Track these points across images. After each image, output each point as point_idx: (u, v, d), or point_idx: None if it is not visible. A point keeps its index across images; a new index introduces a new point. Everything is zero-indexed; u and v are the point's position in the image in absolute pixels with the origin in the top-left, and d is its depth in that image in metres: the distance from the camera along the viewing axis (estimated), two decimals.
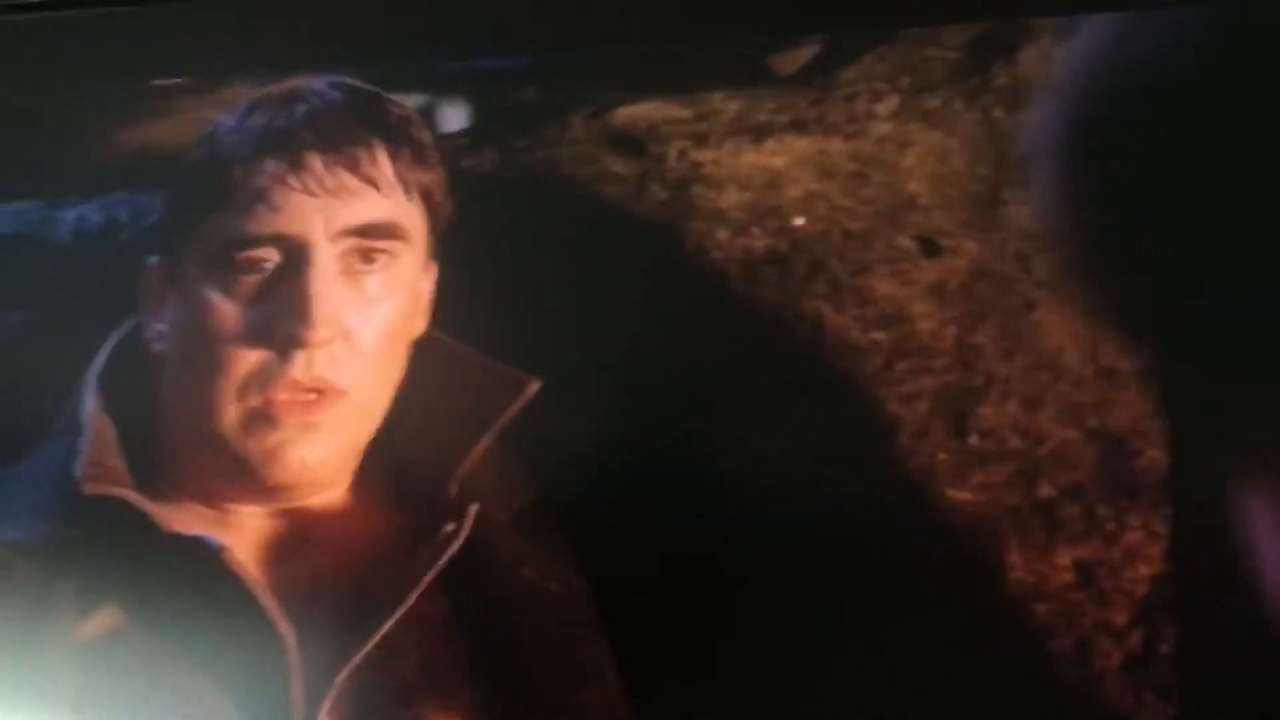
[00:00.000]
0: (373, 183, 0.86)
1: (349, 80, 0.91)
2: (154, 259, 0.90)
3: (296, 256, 0.84)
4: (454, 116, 1.26)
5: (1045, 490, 1.21)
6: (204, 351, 0.85)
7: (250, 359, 0.84)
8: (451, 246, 0.92)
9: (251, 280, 0.85)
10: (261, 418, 0.84)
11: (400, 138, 0.88)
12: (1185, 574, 1.16)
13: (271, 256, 0.85)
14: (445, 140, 1.26)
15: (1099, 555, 1.20)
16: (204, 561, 0.82)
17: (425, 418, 0.90)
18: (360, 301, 0.86)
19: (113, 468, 0.85)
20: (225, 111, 0.89)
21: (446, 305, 0.93)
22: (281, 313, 0.84)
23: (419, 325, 0.91)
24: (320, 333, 0.83)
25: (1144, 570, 1.20)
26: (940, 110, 1.28)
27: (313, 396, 0.84)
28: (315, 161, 0.85)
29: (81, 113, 1.12)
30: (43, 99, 1.05)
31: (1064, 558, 1.20)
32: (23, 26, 0.95)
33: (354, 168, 0.85)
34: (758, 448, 1.14)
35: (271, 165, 0.85)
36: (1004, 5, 1.13)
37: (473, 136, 1.30)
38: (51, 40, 0.91)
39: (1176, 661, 1.16)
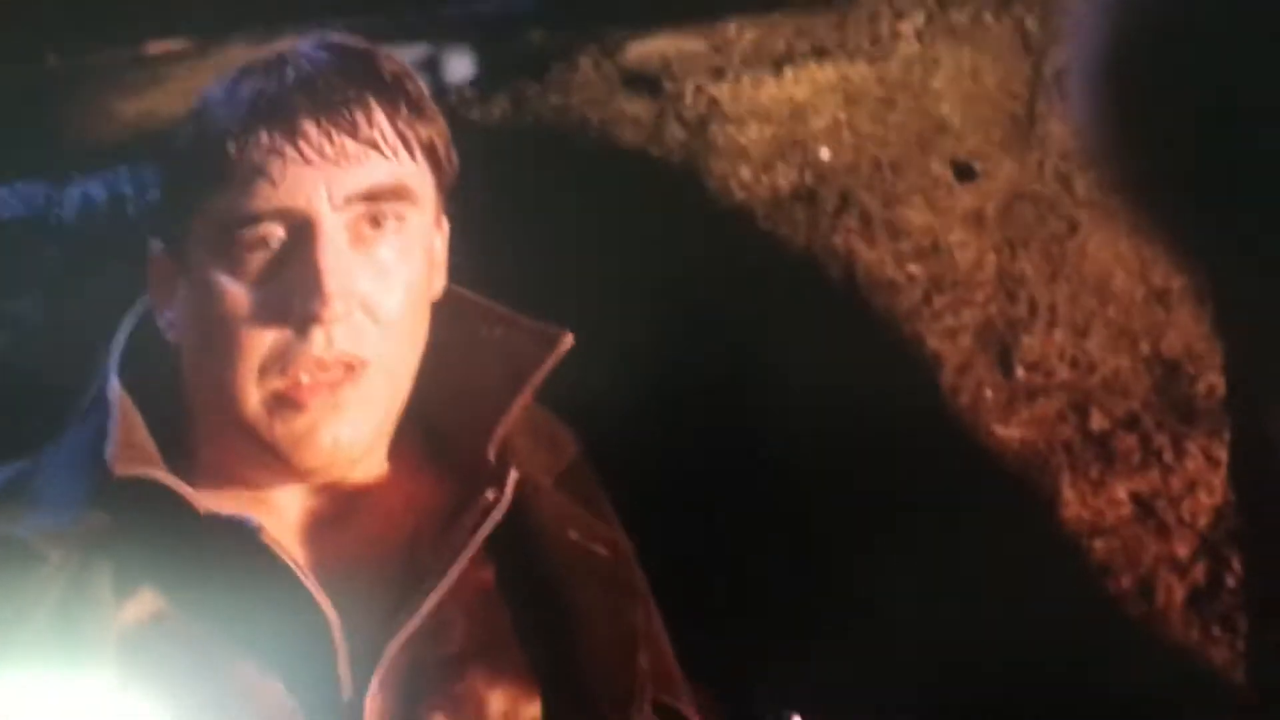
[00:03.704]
0: (373, 145, 0.86)
1: (337, 39, 0.91)
2: (157, 245, 0.91)
3: (302, 231, 0.85)
4: (459, 66, 1.29)
5: (1098, 421, 1.25)
6: (218, 337, 0.86)
7: (267, 340, 0.85)
8: (466, 199, 0.95)
9: (258, 259, 0.86)
10: (286, 401, 0.86)
11: (396, 93, 0.88)
12: (1248, 501, 1.19)
13: (276, 232, 0.86)
14: (452, 91, 1.28)
15: (1158, 487, 1.24)
16: (241, 542, 0.85)
17: (457, 380, 0.93)
18: (374, 269, 0.86)
19: (143, 448, 0.87)
20: (214, 82, 0.90)
21: (465, 260, 0.95)
22: (293, 290, 0.85)
23: (437, 285, 0.93)
24: (336, 307, 0.84)
25: (1205, 500, 1.24)
26: (969, 25, 1.31)
27: (339, 372, 0.86)
28: (310, 128, 0.85)
29: (77, 86, 1.15)
30: (36, 73, 1.09)
31: (1121, 491, 1.24)
32: None
33: (352, 131, 0.86)
34: (796, 395, 1.18)
35: (265, 137, 0.85)
36: None
37: (480, 86, 1.32)
38: (42, 7, 0.94)
39: (1243, 592, 1.20)
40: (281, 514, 0.91)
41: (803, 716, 0.84)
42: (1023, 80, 1.32)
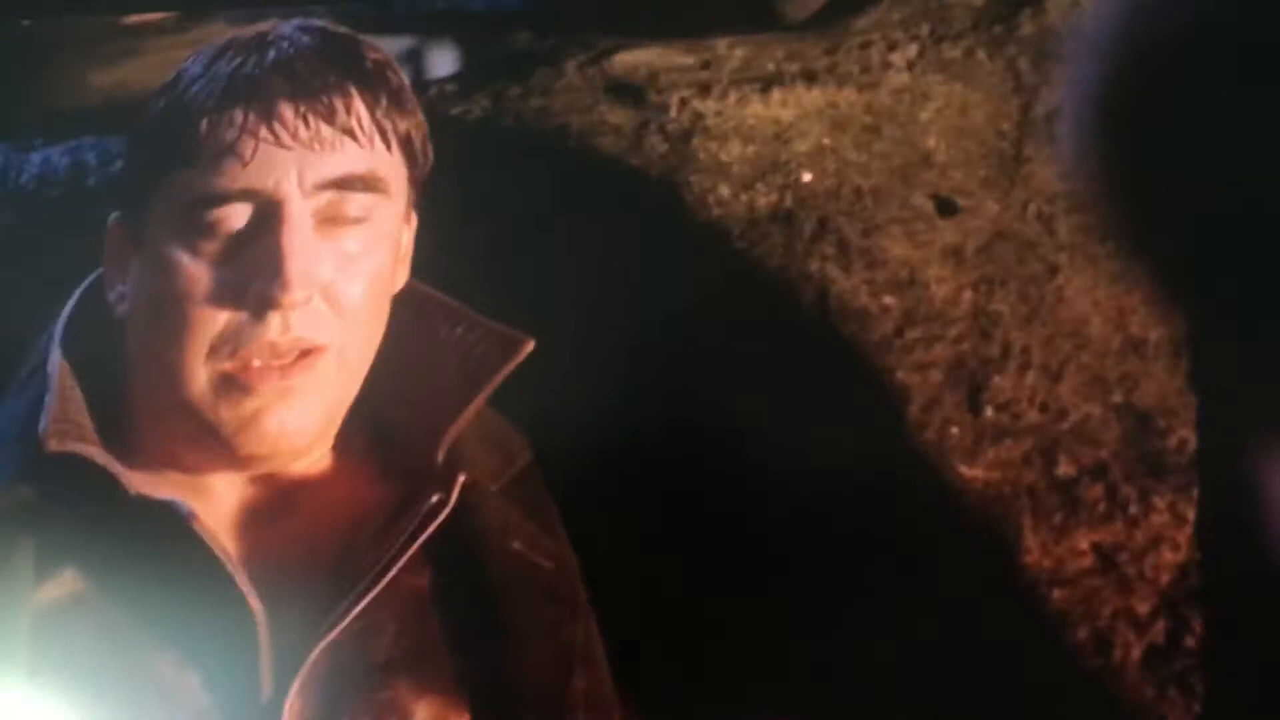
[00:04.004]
0: (349, 132, 0.85)
1: (321, 23, 0.90)
2: (115, 215, 0.90)
3: (268, 213, 0.84)
4: (442, 61, 1.28)
5: (1065, 468, 1.24)
6: (170, 314, 0.85)
7: (220, 320, 0.84)
8: (439, 196, 0.94)
9: (220, 238, 0.84)
10: (234, 384, 0.84)
11: (377, 82, 0.87)
12: (1213, 561, 1.18)
13: (241, 213, 0.84)
14: (433, 86, 1.27)
15: (1121, 539, 1.23)
16: (171, 528, 0.83)
17: (411, 378, 0.91)
18: (339, 257, 0.85)
19: (79, 424, 0.85)
20: (192, 57, 0.89)
21: (433, 258, 0.94)
22: (254, 273, 0.83)
23: (400, 278, 0.92)
24: (296, 293, 0.83)
25: (1169, 556, 1.23)
26: (961, 60, 1.30)
27: (293, 358, 0.84)
28: (287, 110, 0.84)
29: (50, 51, 1.14)
30: (10, 35, 1.07)
31: (1083, 541, 1.23)
32: None
33: (329, 117, 0.85)
34: (758, 416, 1.16)
35: (240, 116, 0.84)
36: None
37: (462, 82, 1.31)
38: None
39: (1202, 654, 1.18)
40: (217, 502, 0.89)
41: None
42: (1011, 120, 1.31)
